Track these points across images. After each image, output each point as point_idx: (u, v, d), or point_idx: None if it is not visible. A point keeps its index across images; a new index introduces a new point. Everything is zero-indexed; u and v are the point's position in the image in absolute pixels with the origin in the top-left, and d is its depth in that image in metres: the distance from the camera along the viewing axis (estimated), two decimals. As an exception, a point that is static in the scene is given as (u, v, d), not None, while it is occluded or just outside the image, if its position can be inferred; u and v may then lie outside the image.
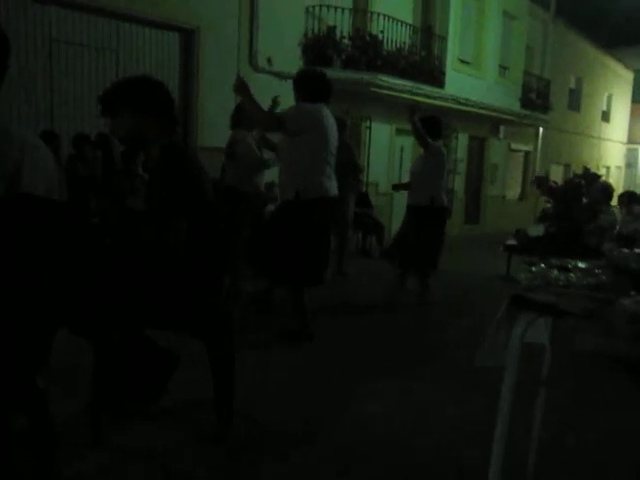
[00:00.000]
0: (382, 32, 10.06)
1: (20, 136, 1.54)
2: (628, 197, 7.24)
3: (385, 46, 10.16)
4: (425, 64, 11.30)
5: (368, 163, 11.19)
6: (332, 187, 3.99)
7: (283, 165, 4.03)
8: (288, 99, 7.19)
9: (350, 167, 6.36)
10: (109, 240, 2.44)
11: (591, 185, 2.59)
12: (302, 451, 2.55)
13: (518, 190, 17.63)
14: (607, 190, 5.81)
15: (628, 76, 24.62)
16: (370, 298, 5.82)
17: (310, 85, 3.97)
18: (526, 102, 15.24)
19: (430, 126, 5.38)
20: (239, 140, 4.88)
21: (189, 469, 2.35)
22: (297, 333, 4.12)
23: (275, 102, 4.66)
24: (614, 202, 6.88)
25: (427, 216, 5.41)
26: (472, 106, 12.82)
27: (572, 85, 19.81)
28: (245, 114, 4.46)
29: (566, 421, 2.85)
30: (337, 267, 6.62)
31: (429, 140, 5.31)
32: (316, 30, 9.64)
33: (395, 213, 11.81)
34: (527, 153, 17.65)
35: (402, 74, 10.43)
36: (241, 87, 3.84)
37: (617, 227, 2.50)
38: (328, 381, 3.42)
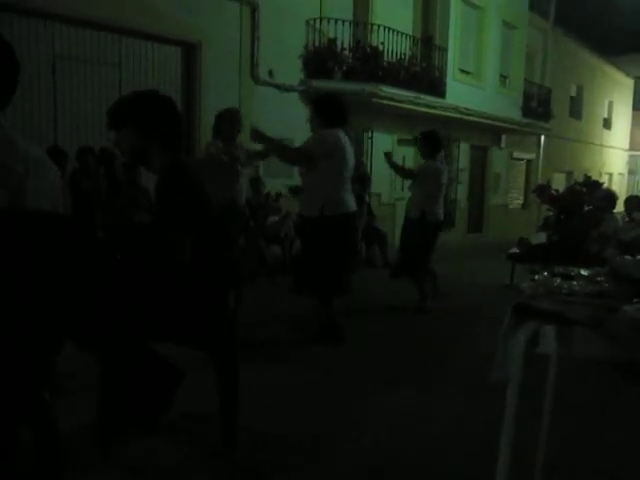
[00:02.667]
0: (382, 43, 10.12)
1: (25, 149, 1.56)
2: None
3: (386, 57, 10.20)
4: (426, 74, 11.34)
5: (370, 174, 11.22)
6: (353, 202, 4.34)
7: (307, 184, 4.26)
8: (288, 111, 7.23)
9: (359, 180, 6.51)
10: (119, 255, 2.45)
11: (593, 193, 2.59)
12: (308, 464, 2.54)
13: (521, 199, 17.62)
14: (610, 197, 5.80)
15: (629, 83, 24.68)
16: (374, 308, 5.82)
17: (329, 111, 4.21)
18: (527, 111, 15.27)
19: (430, 141, 5.59)
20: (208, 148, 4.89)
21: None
22: (328, 337, 4.29)
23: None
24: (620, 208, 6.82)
25: (419, 229, 5.57)
26: (473, 115, 12.85)
27: (573, 93, 19.86)
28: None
29: (572, 428, 2.84)
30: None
31: (414, 171, 5.74)
32: (317, 42, 9.70)
33: (398, 223, 11.82)
34: (529, 161, 17.66)
35: (403, 85, 10.47)
36: (257, 136, 4.10)
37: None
38: (334, 394, 3.41)
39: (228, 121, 4.86)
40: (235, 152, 4.84)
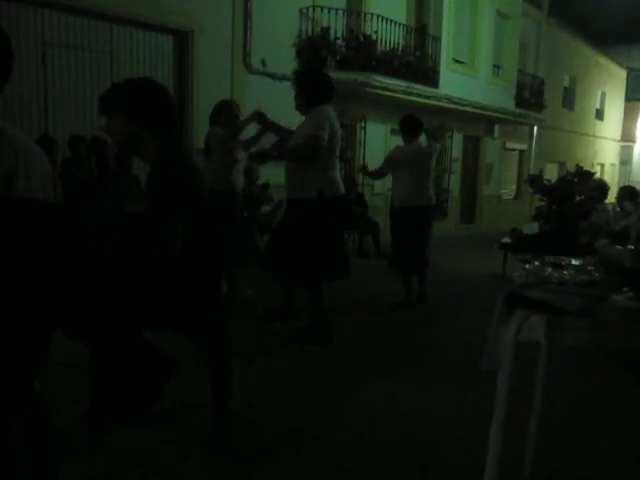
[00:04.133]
0: (376, 32, 10.08)
1: (14, 138, 1.54)
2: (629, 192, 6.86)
3: (379, 46, 10.17)
4: (419, 64, 11.32)
5: (364, 163, 11.20)
6: (342, 184, 4.17)
7: (297, 165, 4.01)
8: (281, 100, 7.20)
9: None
10: (111, 245, 2.45)
11: (584, 183, 2.60)
12: (302, 453, 2.55)
13: (513, 189, 17.68)
14: (602, 188, 5.84)
15: (621, 74, 24.72)
16: (367, 298, 5.83)
17: (320, 87, 4.05)
18: (520, 101, 15.28)
19: (409, 124, 5.51)
20: (211, 134, 4.90)
21: (188, 472, 2.35)
22: (317, 335, 4.15)
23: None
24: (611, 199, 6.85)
25: (396, 216, 5.57)
26: (466, 105, 12.85)
27: (566, 83, 19.88)
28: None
29: (563, 418, 2.86)
30: None
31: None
32: (310, 31, 9.65)
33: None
34: (522, 152, 17.70)
35: (396, 74, 10.44)
36: (263, 121, 4.28)
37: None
38: (327, 383, 3.42)
39: (229, 113, 4.89)
40: (234, 142, 4.90)
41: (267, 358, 3.78)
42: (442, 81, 11.97)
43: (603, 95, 23.21)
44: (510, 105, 14.80)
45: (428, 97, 11.45)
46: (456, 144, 14.10)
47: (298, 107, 4.12)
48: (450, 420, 2.95)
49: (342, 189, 4.13)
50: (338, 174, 4.15)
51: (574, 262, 1.88)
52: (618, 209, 6.27)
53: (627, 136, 26.01)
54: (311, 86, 4.05)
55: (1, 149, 1.47)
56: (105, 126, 2.49)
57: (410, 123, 5.53)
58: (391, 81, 10.29)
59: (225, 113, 4.91)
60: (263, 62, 9.12)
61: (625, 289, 1.63)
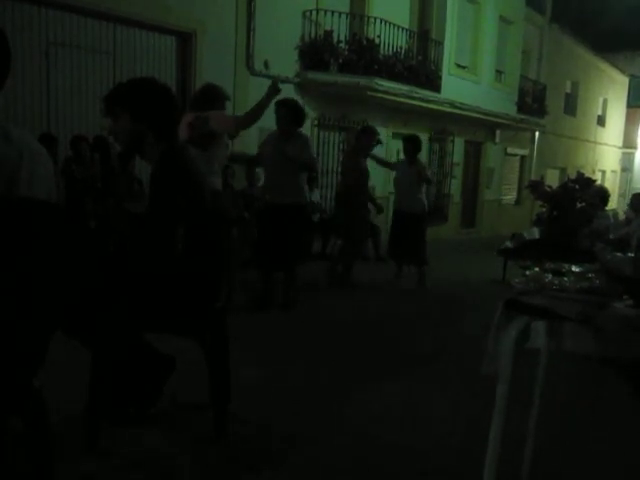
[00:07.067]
0: (379, 36, 10.08)
1: (19, 138, 1.54)
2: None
3: (382, 50, 10.17)
4: (421, 68, 11.32)
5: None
6: None
7: (292, 177, 4.95)
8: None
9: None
10: (112, 246, 2.45)
11: (585, 189, 2.60)
12: (302, 454, 2.55)
13: (514, 194, 17.67)
14: (602, 195, 5.84)
15: (623, 80, 24.74)
16: (367, 302, 5.83)
17: (302, 116, 5.13)
18: (522, 106, 15.28)
19: (412, 144, 6.72)
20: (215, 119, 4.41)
21: (187, 473, 2.35)
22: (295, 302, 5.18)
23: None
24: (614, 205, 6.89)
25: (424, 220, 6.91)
26: (468, 110, 12.85)
27: (568, 89, 19.89)
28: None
29: (561, 424, 2.86)
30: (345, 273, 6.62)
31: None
32: (313, 34, 9.65)
33: (391, 217, 11.83)
34: (523, 157, 17.70)
35: (399, 78, 10.44)
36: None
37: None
38: (328, 384, 3.42)
39: (223, 99, 4.64)
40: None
41: (266, 359, 3.78)
42: (444, 86, 11.96)
43: (605, 101, 23.22)
44: (512, 110, 14.80)
45: (430, 101, 11.45)
46: (457, 149, 14.10)
47: (288, 131, 4.96)
48: (450, 424, 2.95)
49: None
50: None
51: (574, 269, 1.88)
52: (633, 215, 6.34)
53: (628, 143, 26.02)
54: (300, 114, 5.06)
55: (5, 150, 1.48)
56: (108, 127, 2.49)
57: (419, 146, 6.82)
58: (393, 85, 10.29)
59: (221, 99, 4.56)
60: (266, 64, 9.08)
61: (625, 296, 1.63)
